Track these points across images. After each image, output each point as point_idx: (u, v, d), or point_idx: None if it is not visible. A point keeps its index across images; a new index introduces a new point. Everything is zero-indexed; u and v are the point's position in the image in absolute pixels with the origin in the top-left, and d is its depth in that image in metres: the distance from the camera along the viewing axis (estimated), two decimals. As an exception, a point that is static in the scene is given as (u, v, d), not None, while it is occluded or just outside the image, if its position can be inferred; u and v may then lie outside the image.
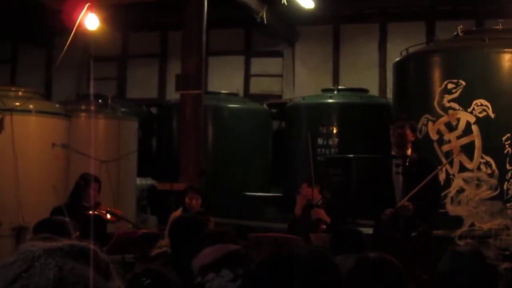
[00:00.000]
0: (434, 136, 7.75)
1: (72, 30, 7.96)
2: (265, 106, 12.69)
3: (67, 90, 13.07)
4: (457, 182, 7.49)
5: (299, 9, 10.87)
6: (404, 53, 8.81)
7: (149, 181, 10.86)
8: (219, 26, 12.65)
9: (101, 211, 6.24)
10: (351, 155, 9.44)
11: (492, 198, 7.35)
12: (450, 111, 7.68)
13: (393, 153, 5.84)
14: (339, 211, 6.56)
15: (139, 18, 12.92)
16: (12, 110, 7.49)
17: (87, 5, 8.03)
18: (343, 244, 4.26)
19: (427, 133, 7.78)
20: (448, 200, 7.44)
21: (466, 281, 2.82)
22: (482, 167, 7.46)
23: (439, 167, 6.87)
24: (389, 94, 10.86)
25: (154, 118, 13.45)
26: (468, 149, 7.48)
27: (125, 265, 5.44)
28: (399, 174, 5.65)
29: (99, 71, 13.48)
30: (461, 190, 7.46)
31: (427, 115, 7.81)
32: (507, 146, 7.42)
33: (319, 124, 10.79)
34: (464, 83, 7.62)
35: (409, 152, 5.77)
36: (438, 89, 7.78)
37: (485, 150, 7.48)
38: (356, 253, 2.89)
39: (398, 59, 8.95)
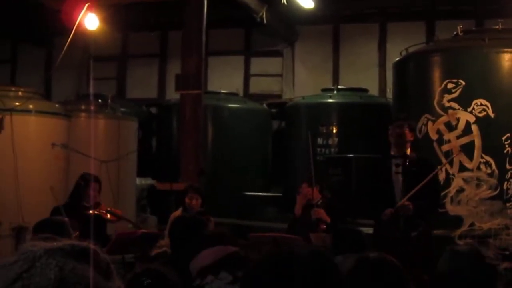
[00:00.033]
0: (434, 136, 7.75)
1: (72, 30, 7.96)
2: (264, 106, 12.68)
3: (67, 90, 13.07)
4: (457, 182, 7.49)
5: (299, 9, 10.87)
6: (404, 53, 8.82)
7: (149, 181, 10.86)
8: (219, 26, 12.65)
9: (101, 211, 6.23)
10: (351, 155, 9.43)
11: (492, 198, 7.35)
12: (450, 111, 7.68)
13: (392, 153, 5.84)
14: (339, 211, 6.56)
15: (139, 18, 12.92)
16: (12, 110, 7.49)
17: (86, 5, 8.03)
18: (343, 244, 4.27)
19: (427, 132, 7.78)
20: (448, 199, 7.44)
21: (465, 281, 2.82)
22: (482, 166, 7.46)
23: (439, 167, 6.87)
24: (389, 94, 10.86)
25: (154, 118, 13.45)
26: (468, 149, 7.48)
27: (125, 265, 5.44)
28: (399, 174, 5.65)
29: (99, 71, 13.48)
30: (461, 190, 7.47)
31: (427, 115, 7.81)
32: (506, 145, 7.42)
33: (318, 124, 10.79)
34: (464, 83, 7.62)
35: (408, 151, 5.77)
36: (438, 89, 7.78)
37: (485, 150, 7.48)
38: (356, 253, 2.89)
39: (398, 58, 8.96)
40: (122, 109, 10.50)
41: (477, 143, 7.51)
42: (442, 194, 7.08)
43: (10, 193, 7.36)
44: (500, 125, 7.49)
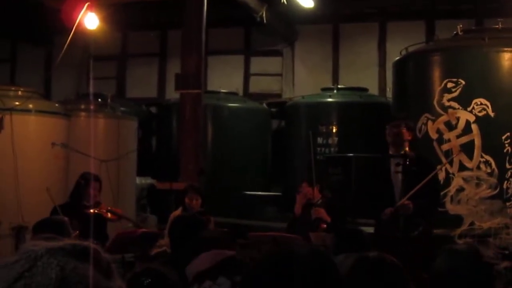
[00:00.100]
0: (434, 135, 7.75)
1: (72, 29, 7.96)
2: (264, 105, 12.68)
3: (66, 90, 13.07)
4: (457, 181, 7.50)
5: (298, 8, 10.86)
6: (403, 52, 8.82)
7: (148, 181, 10.86)
8: (218, 25, 12.64)
9: (101, 210, 6.24)
10: (351, 154, 9.43)
11: (492, 197, 7.36)
12: (450, 110, 7.69)
13: (390, 152, 5.85)
14: (339, 210, 6.56)
15: (139, 17, 12.92)
16: (12, 110, 7.49)
17: (86, 4, 8.03)
18: (345, 244, 4.26)
19: (426, 132, 7.79)
20: (448, 199, 7.44)
21: (463, 279, 2.82)
22: (482, 166, 7.46)
23: (439, 167, 6.87)
24: (389, 93, 10.86)
25: (153, 118, 13.45)
26: (467, 148, 7.49)
27: (124, 265, 5.44)
28: (398, 173, 5.65)
29: (99, 71, 13.47)
30: (460, 189, 7.47)
31: (426, 114, 7.82)
32: (506, 145, 7.43)
33: (318, 123, 10.78)
34: (463, 82, 7.63)
35: (404, 151, 5.76)
36: (437, 88, 7.79)
37: (485, 149, 7.49)
38: (358, 252, 2.89)
39: (397, 58, 8.96)
40: (122, 109, 10.49)
41: (477, 142, 7.52)
42: (442, 193, 7.08)
43: (10, 193, 7.36)
44: (500, 125, 7.50)
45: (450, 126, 7.68)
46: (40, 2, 9.89)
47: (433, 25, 12.48)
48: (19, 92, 7.93)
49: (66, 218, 4.64)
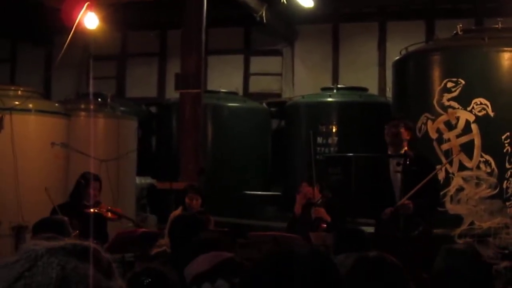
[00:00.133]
0: (434, 135, 7.75)
1: (72, 29, 7.95)
2: (264, 105, 12.68)
3: (66, 89, 13.06)
4: (457, 181, 7.50)
5: (298, 7, 10.86)
6: (403, 52, 8.83)
7: (148, 180, 10.86)
8: (218, 25, 12.63)
9: (101, 209, 6.24)
10: (351, 154, 9.43)
11: (492, 197, 7.36)
12: (450, 110, 7.69)
13: (389, 152, 5.85)
14: (339, 210, 6.56)
15: (138, 17, 12.91)
16: (12, 109, 7.49)
17: (86, 4, 8.02)
18: (346, 244, 4.26)
19: (426, 131, 7.79)
20: (447, 198, 7.44)
21: (461, 278, 2.82)
22: (482, 165, 7.46)
23: (439, 167, 6.87)
24: (389, 93, 10.86)
25: (153, 117, 13.45)
26: (467, 148, 7.49)
27: (124, 264, 5.44)
28: (398, 173, 5.65)
29: (99, 70, 13.47)
30: (460, 189, 7.47)
31: (426, 114, 7.82)
32: (506, 144, 7.43)
33: (318, 123, 10.79)
34: (463, 82, 7.63)
35: (404, 150, 5.76)
36: (437, 88, 7.79)
37: (485, 149, 7.49)
38: (359, 252, 2.89)
39: (397, 57, 8.96)
40: (122, 108, 10.49)
41: (477, 142, 7.52)
42: (441, 193, 7.08)
43: (9, 192, 7.36)
44: (499, 124, 7.50)
45: (450, 126, 7.68)
46: (40, 2, 9.89)
47: (433, 25, 12.48)
48: (19, 92, 7.93)
49: (66, 218, 4.64)
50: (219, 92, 12.13)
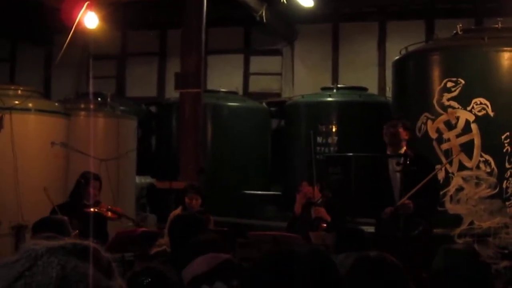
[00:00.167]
0: (434, 135, 7.75)
1: (71, 28, 7.95)
2: (264, 104, 12.68)
3: (66, 89, 13.07)
4: (456, 181, 7.50)
5: (298, 7, 10.87)
6: (403, 52, 8.83)
7: (148, 180, 10.86)
8: (218, 25, 12.64)
9: (101, 209, 6.24)
10: (350, 154, 9.43)
11: (491, 197, 7.36)
12: (450, 110, 7.69)
13: (388, 152, 5.85)
14: (339, 210, 6.56)
15: (138, 16, 12.91)
16: (12, 109, 7.48)
17: (86, 4, 8.02)
18: (346, 243, 4.27)
19: (426, 131, 7.79)
20: (447, 198, 7.44)
21: (460, 278, 2.82)
22: (482, 165, 7.46)
23: (439, 167, 6.88)
24: (389, 93, 10.86)
25: (153, 117, 13.45)
26: (467, 148, 7.49)
27: (124, 264, 5.44)
28: (397, 173, 5.65)
29: (98, 70, 13.46)
30: (460, 189, 7.47)
31: (426, 114, 7.82)
32: (506, 144, 7.43)
33: (318, 123, 10.79)
34: (463, 82, 7.62)
35: (404, 150, 5.76)
36: (437, 88, 7.79)
37: (484, 149, 7.49)
38: (359, 252, 2.89)
39: (397, 57, 8.96)
40: (122, 108, 10.49)
41: (477, 142, 7.52)
42: (441, 193, 7.08)
43: (9, 192, 7.36)
44: (499, 124, 7.50)
45: (449, 126, 7.68)
46: (40, 1, 9.89)
47: (433, 25, 12.48)
48: (19, 91, 7.93)
49: (65, 217, 4.64)
50: (219, 91, 12.14)
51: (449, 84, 7.70)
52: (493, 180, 7.39)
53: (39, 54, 15.00)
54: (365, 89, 11.73)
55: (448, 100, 7.69)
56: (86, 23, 8.21)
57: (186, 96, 9.18)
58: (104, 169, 7.79)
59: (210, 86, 12.52)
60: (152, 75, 14.59)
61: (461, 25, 8.46)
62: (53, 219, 4.75)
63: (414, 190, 5.44)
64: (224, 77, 13.64)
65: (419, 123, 7.79)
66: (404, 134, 5.82)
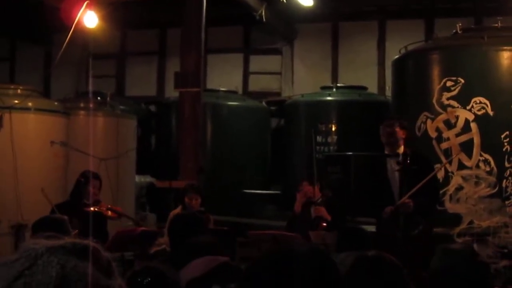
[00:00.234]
0: (433, 134, 7.75)
1: (71, 27, 7.94)
2: (264, 103, 12.68)
3: (66, 88, 13.06)
4: (456, 180, 7.50)
5: (298, 6, 10.87)
6: (403, 51, 8.83)
7: (148, 179, 10.86)
8: (218, 24, 12.63)
9: (101, 208, 6.24)
10: (350, 153, 9.42)
11: (491, 196, 7.36)
12: (449, 109, 7.69)
13: (386, 151, 5.85)
14: (339, 209, 6.56)
15: (138, 15, 12.90)
16: (11, 108, 7.48)
17: (85, 3, 8.02)
18: (347, 242, 4.27)
19: (426, 130, 7.79)
20: (447, 197, 7.45)
21: (458, 278, 2.82)
22: (481, 164, 7.47)
23: (439, 166, 6.88)
24: (388, 92, 10.87)
25: (153, 116, 13.44)
26: (467, 147, 7.49)
27: (124, 263, 5.44)
28: (396, 172, 5.65)
29: (98, 69, 13.46)
30: (460, 188, 7.47)
31: (426, 113, 7.82)
32: (506, 143, 7.43)
33: (318, 122, 10.78)
34: (463, 81, 7.63)
35: (401, 149, 5.76)
36: (437, 87, 7.79)
37: (484, 148, 7.49)
38: (360, 251, 2.88)
39: (397, 56, 8.96)
40: (121, 107, 10.50)
41: (476, 141, 7.52)
42: (441, 192, 7.08)
43: (9, 191, 7.36)
44: (499, 123, 7.50)
45: (449, 125, 7.68)
46: (40, 0, 9.88)
47: (432, 24, 12.48)
48: (19, 91, 7.93)
49: (65, 217, 4.64)
50: (218, 90, 12.13)
51: (449, 83, 7.70)
52: (492, 179, 7.40)
53: (39, 53, 15.00)
54: (364, 88, 11.73)
55: (448, 99, 7.69)
56: (86, 22, 8.20)
57: (186, 95, 9.18)
58: (103, 168, 7.79)
59: (209, 85, 12.52)
60: (152, 74, 14.59)
61: (460, 24, 8.46)
62: (53, 218, 4.75)
63: (414, 189, 5.44)
64: (224, 76, 13.64)
65: (418, 122, 7.79)
66: (401, 133, 5.82)
